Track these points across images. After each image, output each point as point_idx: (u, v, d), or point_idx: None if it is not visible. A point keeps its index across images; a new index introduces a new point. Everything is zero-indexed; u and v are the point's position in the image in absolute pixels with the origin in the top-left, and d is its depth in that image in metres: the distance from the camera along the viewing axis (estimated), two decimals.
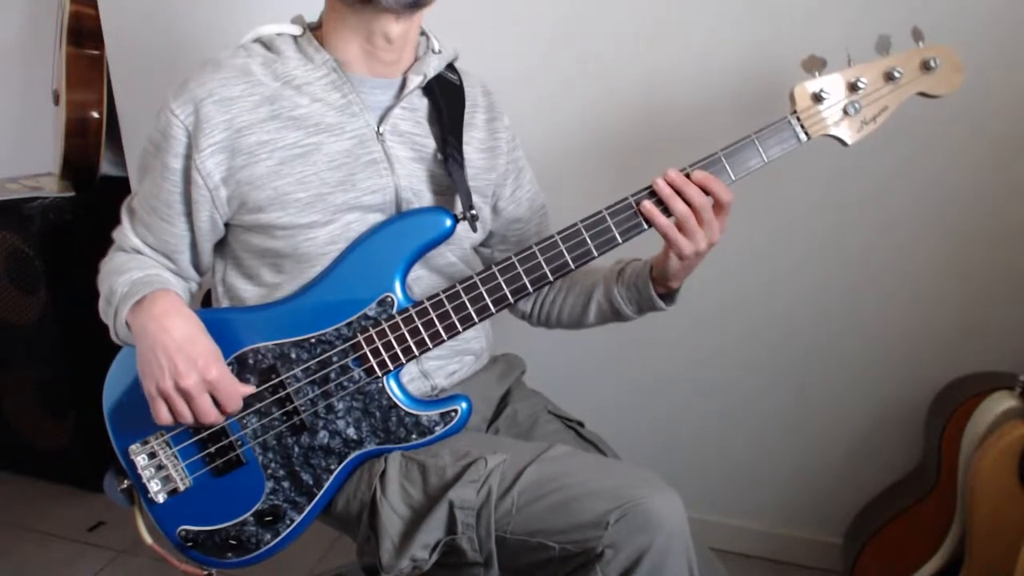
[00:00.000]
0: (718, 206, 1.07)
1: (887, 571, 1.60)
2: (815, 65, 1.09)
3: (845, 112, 1.10)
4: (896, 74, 1.09)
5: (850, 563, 1.66)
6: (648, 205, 1.07)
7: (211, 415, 1.05)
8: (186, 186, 1.10)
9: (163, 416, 1.05)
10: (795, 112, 1.09)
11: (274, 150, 1.09)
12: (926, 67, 1.09)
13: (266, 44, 1.14)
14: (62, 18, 2.11)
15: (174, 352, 1.03)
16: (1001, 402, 1.43)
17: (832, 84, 1.09)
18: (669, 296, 1.21)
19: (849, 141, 1.11)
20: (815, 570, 1.87)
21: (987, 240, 1.59)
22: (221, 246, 1.19)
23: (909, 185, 1.60)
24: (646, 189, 1.08)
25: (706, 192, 1.06)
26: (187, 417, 1.05)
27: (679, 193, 1.06)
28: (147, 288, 1.08)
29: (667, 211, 1.07)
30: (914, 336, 1.68)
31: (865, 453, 1.78)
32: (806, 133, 1.09)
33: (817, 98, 1.09)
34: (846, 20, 1.50)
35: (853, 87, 1.09)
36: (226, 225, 1.15)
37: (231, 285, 1.18)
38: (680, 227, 1.06)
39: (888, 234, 1.64)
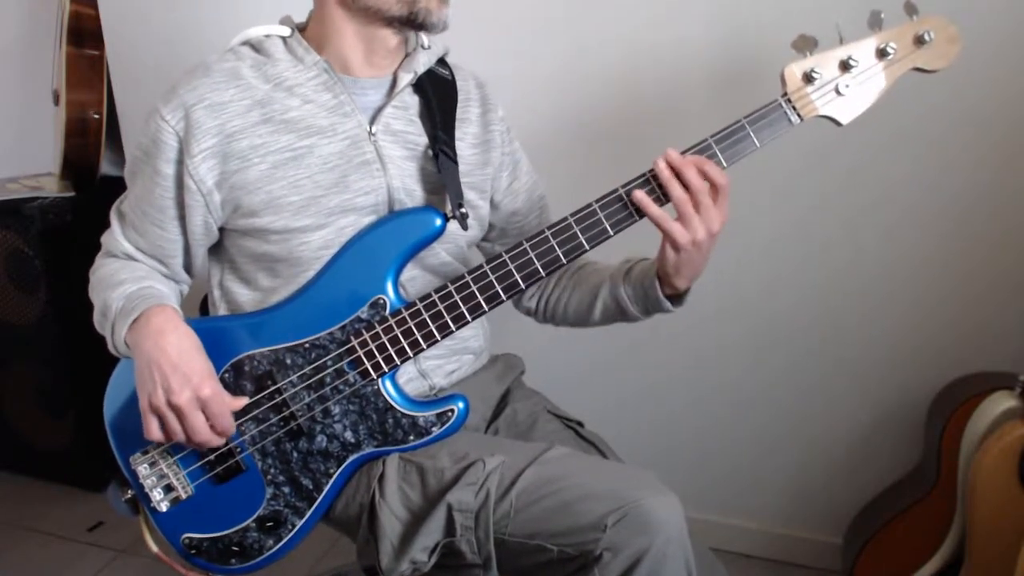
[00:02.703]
0: (715, 190, 1.04)
1: (887, 571, 1.60)
2: (806, 45, 1.06)
3: (838, 92, 1.07)
4: (889, 50, 1.06)
5: (850, 563, 1.65)
6: (640, 194, 1.05)
7: (203, 433, 1.05)
8: (179, 191, 1.10)
9: (154, 432, 1.05)
10: (786, 94, 1.07)
11: (267, 154, 1.09)
12: (920, 41, 1.06)
13: (255, 47, 1.14)
14: (62, 18, 2.11)
15: (168, 370, 1.03)
16: (1001, 402, 1.42)
17: (823, 63, 1.07)
18: (677, 298, 1.17)
19: (843, 121, 1.09)
20: (815, 570, 1.86)
21: (987, 241, 1.59)
22: (217, 251, 1.19)
23: (909, 186, 1.59)
24: (640, 177, 1.07)
25: (702, 176, 1.04)
26: (179, 434, 1.05)
27: (677, 176, 1.04)
28: (143, 303, 1.08)
29: (658, 200, 1.06)
30: (914, 336, 1.68)
31: (865, 453, 1.78)
32: (798, 115, 1.07)
33: (808, 79, 1.07)
34: None
35: (845, 66, 1.07)
36: (221, 230, 1.15)
37: (228, 290, 1.18)
38: (678, 214, 1.04)
39: (889, 235, 1.63)
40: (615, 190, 1.07)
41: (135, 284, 1.11)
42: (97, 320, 1.13)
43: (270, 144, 1.09)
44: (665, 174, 1.04)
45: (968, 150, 1.55)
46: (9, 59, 2.43)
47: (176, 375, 1.03)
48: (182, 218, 1.12)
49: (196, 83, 1.08)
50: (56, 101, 2.21)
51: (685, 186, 1.04)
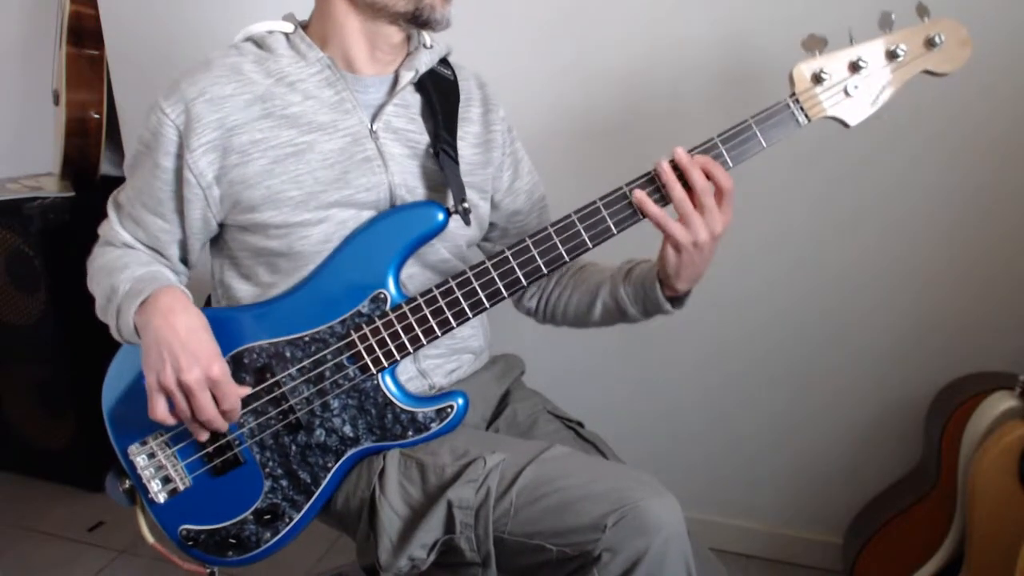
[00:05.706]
0: (719, 194, 1.04)
1: (887, 571, 1.60)
2: (815, 45, 1.05)
3: (846, 93, 1.06)
4: (899, 52, 1.05)
5: (850, 563, 1.65)
6: (640, 194, 1.05)
7: (209, 411, 1.04)
8: (178, 185, 1.10)
9: (160, 411, 1.04)
10: (794, 94, 1.06)
11: (267, 149, 1.09)
12: (930, 44, 1.05)
13: (257, 42, 1.14)
14: (62, 18, 2.12)
15: (178, 348, 1.02)
16: (1001, 402, 1.42)
17: (833, 64, 1.06)
18: (678, 300, 1.16)
19: (851, 123, 1.08)
20: (815, 570, 1.86)
21: (987, 240, 1.59)
22: (217, 247, 1.19)
23: (909, 185, 1.59)
24: (644, 176, 1.06)
25: (707, 178, 1.03)
26: (185, 412, 1.04)
27: (683, 175, 1.03)
28: (151, 285, 1.07)
29: (660, 200, 1.05)
30: (914, 336, 1.68)
31: (865, 453, 1.77)
32: (806, 116, 1.06)
33: (817, 79, 1.06)
34: None
35: (855, 67, 1.05)
36: (221, 225, 1.15)
37: (228, 286, 1.18)
38: (679, 215, 1.04)
39: (888, 234, 1.63)
40: (619, 188, 1.07)
41: (142, 267, 1.11)
42: (101, 305, 1.12)
43: (271, 139, 1.09)
44: (666, 175, 1.04)
45: (967, 150, 1.55)
46: (9, 59, 2.43)
47: (186, 353, 1.02)
48: (180, 212, 1.12)
49: (197, 77, 1.09)
50: (56, 101, 2.21)
51: (689, 186, 1.03)
